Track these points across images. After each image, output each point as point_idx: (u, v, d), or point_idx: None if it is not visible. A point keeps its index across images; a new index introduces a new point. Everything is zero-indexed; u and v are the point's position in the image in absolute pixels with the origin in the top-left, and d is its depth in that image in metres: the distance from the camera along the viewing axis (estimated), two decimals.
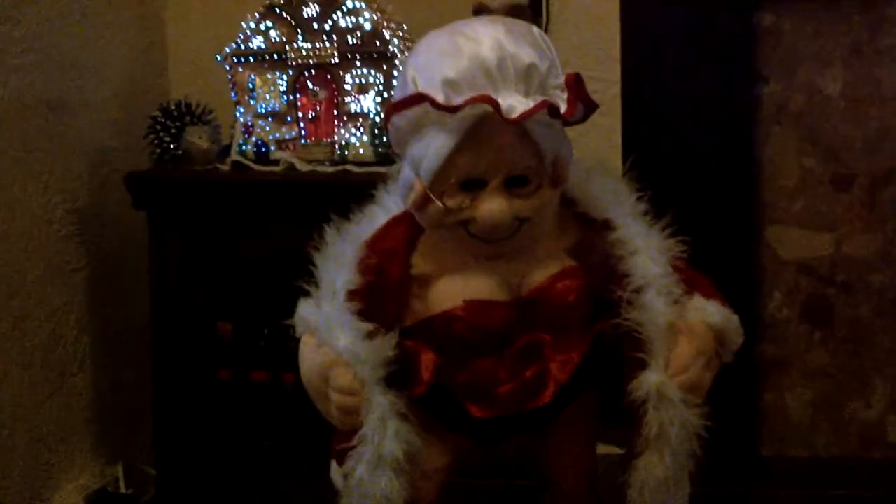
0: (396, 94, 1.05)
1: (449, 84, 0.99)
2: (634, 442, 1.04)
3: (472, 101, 0.98)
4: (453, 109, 0.98)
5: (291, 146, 1.67)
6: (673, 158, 1.77)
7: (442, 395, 1.06)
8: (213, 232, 1.67)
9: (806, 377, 1.84)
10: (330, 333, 1.03)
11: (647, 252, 1.05)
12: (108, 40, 1.81)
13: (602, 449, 1.17)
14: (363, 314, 1.03)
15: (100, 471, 1.77)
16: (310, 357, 1.06)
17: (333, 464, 1.09)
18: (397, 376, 1.03)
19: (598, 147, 1.76)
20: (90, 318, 1.76)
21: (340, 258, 1.06)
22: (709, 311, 1.05)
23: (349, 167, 1.62)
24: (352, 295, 1.04)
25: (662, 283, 1.04)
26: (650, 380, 1.02)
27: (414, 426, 1.03)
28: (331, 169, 1.62)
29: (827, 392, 1.84)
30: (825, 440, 1.84)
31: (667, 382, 1.01)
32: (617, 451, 1.13)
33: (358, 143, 1.63)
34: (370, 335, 1.02)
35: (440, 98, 0.99)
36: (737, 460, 1.79)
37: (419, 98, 0.99)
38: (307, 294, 1.07)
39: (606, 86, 1.77)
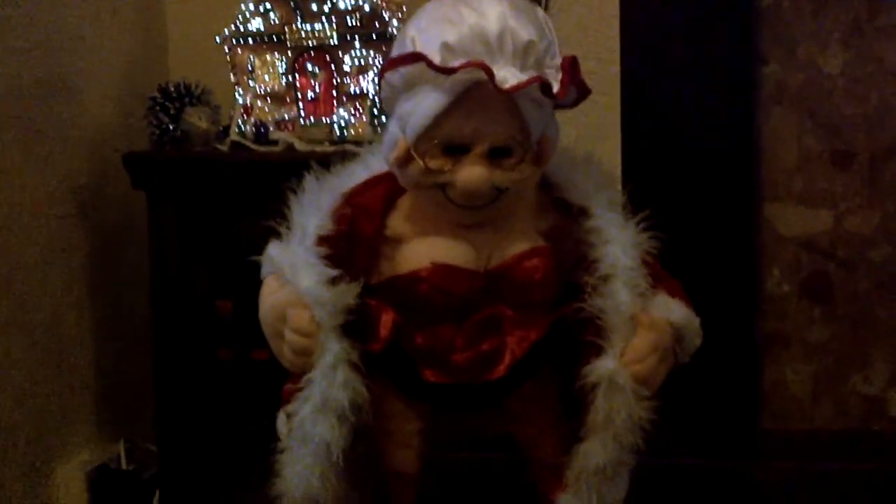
0: (394, 52, 1.06)
1: (447, 48, 1.00)
2: (579, 428, 1.05)
3: (468, 66, 0.98)
4: (448, 71, 0.99)
5: (290, 127, 1.67)
6: (672, 138, 1.77)
7: (398, 356, 1.07)
8: (212, 212, 1.67)
9: (806, 353, 1.84)
10: (294, 274, 1.03)
11: (619, 242, 1.05)
12: (108, 21, 1.81)
13: None
14: (330, 260, 1.04)
15: (101, 448, 1.79)
16: (271, 294, 1.06)
17: (280, 413, 1.09)
18: (356, 330, 1.04)
19: (596, 126, 1.76)
20: (91, 298, 1.77)
21: (316, 204, 1.07)
22: (671, 309, 1.05)
23: (348, 147, 1.62)
24: (321, 240, 1.04)
25: (630, 274, 1.04)
26: (604, 366, 1.02)
27: (364, 378, 1.03)
28: (330, 149, 1.63)
29: (827, 367, 1.84)
30: (826, 414, 1.85)
31: (620, 370, 1.02)
32: None
33: (357, 124, 1.63)
34: (334, 281, 1.03)
35: (437, 60, 0.99)
36: (737, 434, 1.80)
37: (415, 57, 1.00)
38: (278, 236, 1.08)
39: (605, 65, 1.77)
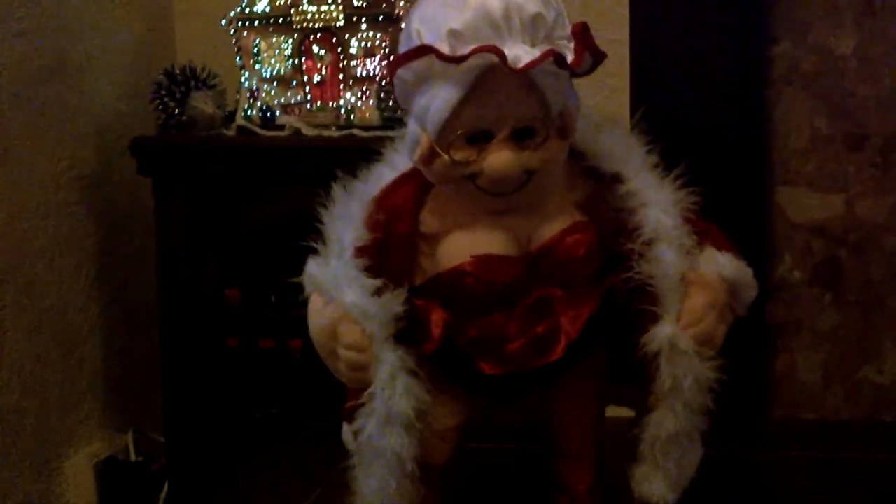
0: (401, 48, 1.04)
1: (454, 35, 0.98)
2: (646, 398, 1.04)
3: (478, 52, 0.96)
4: (458, 60, 0.97)
5: (297, 110, 1.66)
6: (682, 119, 1.76)
7: (453, 352, 1.06)
8: (219, 197, 1.66)
9: (817, 340, 1.83)
10: (338, 290, 1.02)
11: (658, 204, 1.04)
12: (114, 5, 1.80)
13: (612, 412, 1.16)
14: (371, 270, 1.03)
15: (109, 439, 1.78)
16: (318, 314, 1.05)
17: (345, 425, 1.09)
18: (407, 334, 1.03)
19: (606, 107, 1.75)
20: (98, 285, 1.76)
21: (348, 215, 1.06)
22: (721, 263, 1.04)
23: (355, 131, 1.61)
24: (360, 251, 1.03)
25: (674, 235, 1.03)
26: (663, 332, 1.01)
27: (424, 383, 1.02)
28: (337, 133, 1.62)
29: (838, 355, 1.83)
30: (836, 403, 1.83)
31: (679, 334, 1.00)
32: (624, 413, 1.12)
33: (364, 107, 1.62)
34: (378, 291, 1.02)
35: (445, 50, 0.98)
36: (747, 423, 1.79)
37: (424, 50, 0.98)
38: (315, 252, 1.07)
39: (615, 45, 1.75)
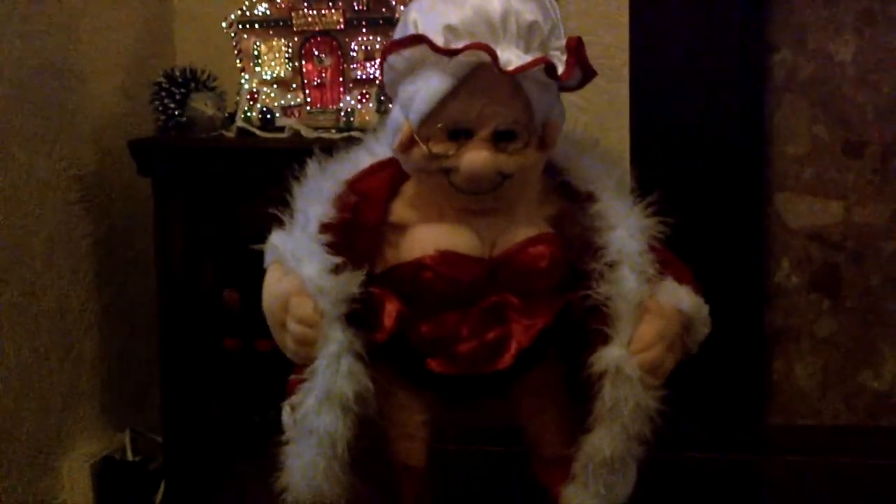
0: (396, 34, 1.05)
1: (450, 30, 0.98)
2: (586, 418, 1.04)
3: (471, 48, 0.97)
4: (451, 53, 0.97)
5: (297, 113, 1.66)
6: (681, 125, 1.76)
7: (404, 346, 1.06)
8: (218, 199, 1.66)
9: (815, 346, 1.83)
10: (297, 262, 1.02)
11: (626, 228, 1.04)
12: (114, 5, 1.80)
13: None
14: (333, 248, 1.02)
15: (107, 438, 1.78)
16: (274, 284, 1.05)
17: (286, 406, 1.08)
18: (360, 319, 1.03)
19: (605, 114, 1.75)
20: (97, 286, 1.76)
21: (318, 191, 1.06)
22: (680, 296, 1.04)
23: (355, 134, 1.61)
24: (324, 228, 1.03)
25: (637, 260, 1.03)
26: (610, 354, 1.01)
27: (368, 369, 1.01)
28: (337, 136, 1.62)
29: (836, 361, 1.83)
30: (834, 409, 1.83)
31: (627, 358, 1.00)
32: None
33: (364, 110, 1.62)
34: (337, 269, 1.01)
35: (440, 42, 0.98)
36: (745, 429, 1.79)
37: (418, 39, 0.99)
38: (281, 223, 1.07)
39: (615, 53, 1.75)
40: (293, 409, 1.03)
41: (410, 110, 1.01)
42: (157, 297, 1.69)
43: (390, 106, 1.55)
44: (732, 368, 1.76)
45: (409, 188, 1.07)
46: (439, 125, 1.00)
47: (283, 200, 1.10)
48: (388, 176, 1.07)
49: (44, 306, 1.64)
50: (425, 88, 0.99)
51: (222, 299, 1.68)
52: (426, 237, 1.05)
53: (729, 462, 1.61)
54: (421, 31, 1.00)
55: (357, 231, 1.05)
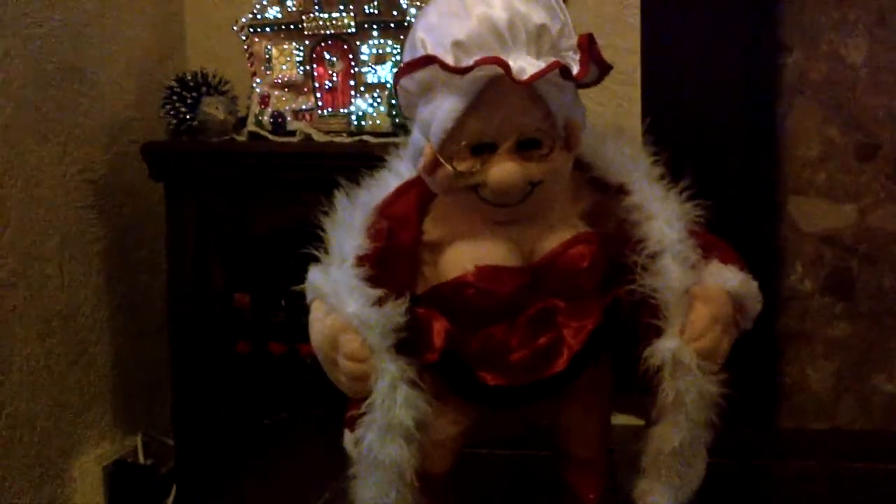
0: (405, 57, 1.04)
1: (458, 46, 0.97)
2: (649, 411, 1.03)
3: (482, 63, 0.96)
4: (462, 71, 0.97)
5: (308, 117, 1.66)
6: (693, 128, 1.75)
7: (454, 363, 1.05)
8: (229, 203, 1.66)
9: (828, 350, 1.82)
10: (339, 299, 1.02)
11: (663, 217, 1.03)
12: (126, 9, 1.80)
13: (619, 420, 1.16)
14: (373, 280, 1.02)
15: (119, 442, 1.78)
16: (319, 323, 1.05)
17: (346, 432, 1.08)
18: (409, 344, 1.02)
19: (617, 116, 1.75)
20: (108, 289, 1.76)
21: (350, 223, 1.05)
22: (726, 277, 1.03)
23: (366, 138, 1.61)
24: (361, 260, 1.03)
25: (678, 248, 1.02)
26: (665, 346, 1.00)
27: (425, 394, 1.01)
28: (348, 140, 1.62)
29: (849, 365, 1.82)
30: (847, 413, 1.83)
31: (683, 348, 0.99)
32: (633, 421, 1.12)
33: (375, 114, 1.62)
34: (380, 301, 1.01)
35: (449, 60, 0.97)
36: (757, 433, 1.78)
37: (427, 60, 0.98)
38: (317, 261, 1.07)
39: (626, 55, 1.75)
40: (356, 443, 1.04)
41: (430, 132, 1.00)
42: (168, 300, 1.69)
43: (401, 110, 1.57)
44: (745, 371, 1.74)
45: (438, 205, 1.06)
46: (462, 143, 0.99)
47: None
48: (416, 196, 1.06)
49: (55, 309, 1.65)
50: (442, 109, 0.98)
51: (233, 302, 1.68)
52: (464, 254, 1.04)
53: (741, 466, 1.60)
54: (429, 50, 0.99)
55: (394, 256, 1.05)
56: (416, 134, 1.03)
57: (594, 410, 1.11)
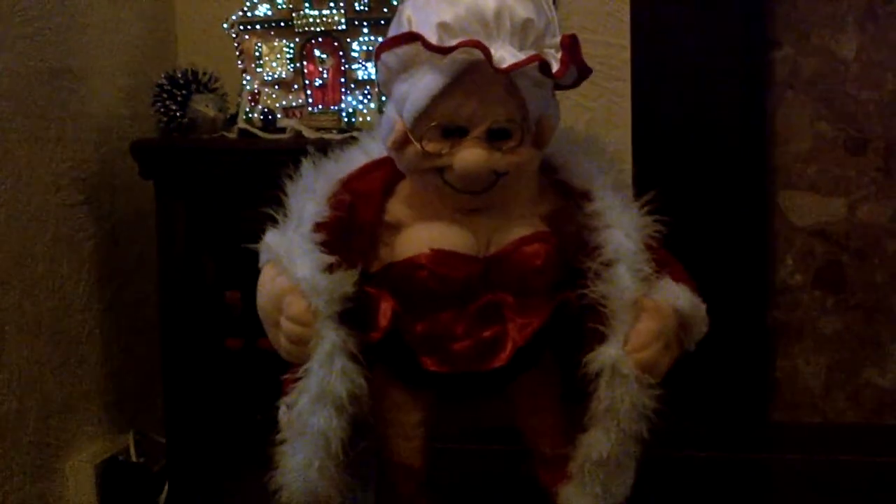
0: (390, 32, 1.05)
1: (443, 28, 0.99)
2: (582, 417, 1.03)
3: (464, 45, 0.97)
4: (444, 51, 0.97)
5: (298, 114, 1.66)
6: (684, 123, 1.76)
7: (398, 345, 1.06)
8: (220, 200, 1.66)
9: (819, 344, 1.83)
10: (290, 261, 1.02)
11: (622, 227, 1.04)
12: (116, 7, 1.80)
13: None
14: (327, 247, 1.02)
15: (111, 440, 1.78)
16: (268, 283, 1.05)
17: (282, 405, 1.08)
18: (354, 320, 1.02)
19: (607, 111, 1.75)
20: (99, 287, 1.76)
21: (312, 190, 1.06)
22: (676, 294, 1.04)
23: (356, 134, 1.60)
24: (318, 227, 1.03)
25: (633, 259, 1.03)
26: (607, 353, 1.01)
27: (362, 368, 1.01)
28: (338, 136, 1.61)
29: (840, 359, 1.83)
30: (838, 407, 1.83)
31: (623, 358, 1.00)
32: None
33: (365, 111, 1.62)
34: (331, 268, 1.01)
35: (433, 40, 0.98)
36: (748, 426, 1.78)
37: (411, 37, 0.99)
38: (276, 222, 1.07)
39: (616, 50, 1.75)
40: (288, 408, 1.04)
41: (404, 108, 1.01)
42: (159, 297, 1.69)
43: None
44: (736, 366, 1.76)
45: (404, 187, 1.07)
46: (433, 123, 1.00)
47: (277, 201, 1.10)
48: (383, 175, 1.07)
49: (46, 307, 1.64)
50: (419, 86, 0.99)
51: (224, 300, 1.68)
52: (421, 236, 1.05)
53: (733, 460, 1.60)
54: (415, 28, 1.00)
55: (352, 230, 1.05)
56: (389, 110, 1.04)
57: (546, 410, 1.11)
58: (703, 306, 1.06)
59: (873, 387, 1.82)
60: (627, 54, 1.75)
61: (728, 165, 1.77)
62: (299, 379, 1.02)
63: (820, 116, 1.80)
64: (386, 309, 1.04)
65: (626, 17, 1.75)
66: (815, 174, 1.81)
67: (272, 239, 1.07)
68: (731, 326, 1.68)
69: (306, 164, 1.08)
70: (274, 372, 1.66)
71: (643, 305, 1.02)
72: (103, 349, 1.77)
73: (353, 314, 1.02)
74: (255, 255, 1.67)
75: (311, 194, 1.06)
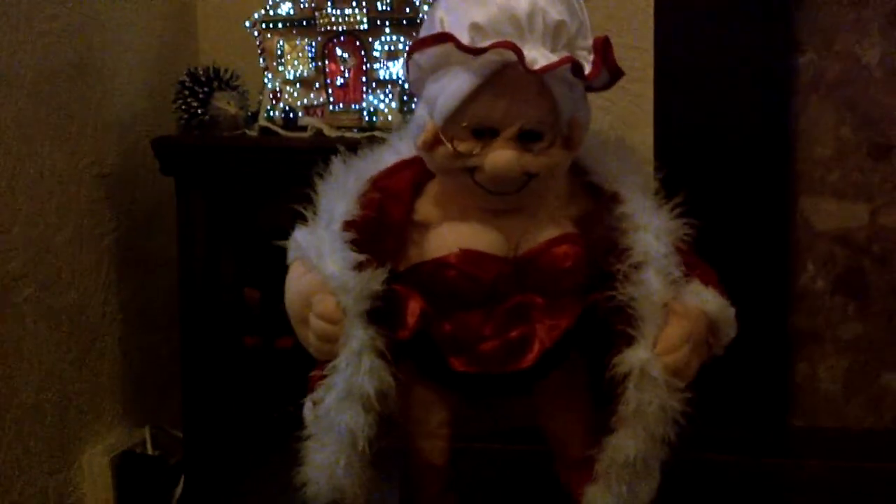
0: (422, 32, 1.04)
1: (476, 28, 0.98)
2: (609, 419, 1.03)
3: (497, 46, 0.97)
4: (477, 52, 0.97)
5: (319, 112, 1.66)
6: (706, 127, 1.75)
7: (426, 344, 1.06)
8: (240, 198, 1.66)
9: (839, 349, 1.82)
10: (320, 259, 1.02)
11: (651, 229, 1.03)
12: (138, 5, 1.81)
13: None
14: (357, 246, 1.02)
15: (127, 433, 1.79)
16: (296, 281, 1.05)
17: (307, 402, 1.08)
18: (383, 318, 1.02)
19: (630, 114, 1.75)
20: (118, 283, 1.77)
21: (342, 188, 1.06)
22: (705, 298, 1.03)
23: (377, 133, 1.61)
24: (348, 225, 1.03)
25: (663, 262, 1.02)
26: (636, 356, 1.00)
27: (390, 366, 1.01)
28: (359, 135, 1.62)
29: (860, 364, 1.81)
30: (858, 412, 1.82)
31: (652, 360, 1.00)
32: None
33: (386, 110, 1.62)
34: (360, 266, 1.01)
35: (465, 41, 0.98)
36: (768, 431, 1.78)
37: (444, 37, 0.99)
38: (305, 220, 1.07)
39: (639, 53, 1.75)
40: (315, 404, 1.03)
41: (435, 109, 1.00)
42: (179, 294, 1.70)
43: (413, 106, 1.57)
44: (756, 371, 1.75)
45: (433, 187, 1.07)
46: (464, 124, 1.00)
47: (305, 198, 1.10)
48: (413, 174, 1.07)
49: (66, 302, 1.65)
50: (450, 87, 0.99)
51: (243, 297, 1.68)
52: (450, 236, 1.05)
53: (752, 465, 1.59)
54: (447, 29, 0.99)
55: (381, 229, 1.05)
56: (420, 110, 1.03)
57: (572, 412, 1.11)
58: (732, 310, 1.05)
59: (894, 393, 1.81)
60: (650, 57, 1.74)
61: (750, 170, 1.76)
62: (326, 376, 1.02)
63: (843, 122, 1.79)
64: (414, 308, 1.04)
65: (650, 21, 1.74)
66: (837, 180, 1.80)
67: (301, 236, 1.07)
68: (752, 331, 1.66)
69: (336, 163, 1.08)
70: (290, 369, 1.67)
71: (673, 308, 1.01)
72: (122, 343, 1.78)
73: (381, 313, 1.02)
74: (274, 253, 1.68)
75: (341, 193, 1.05)
